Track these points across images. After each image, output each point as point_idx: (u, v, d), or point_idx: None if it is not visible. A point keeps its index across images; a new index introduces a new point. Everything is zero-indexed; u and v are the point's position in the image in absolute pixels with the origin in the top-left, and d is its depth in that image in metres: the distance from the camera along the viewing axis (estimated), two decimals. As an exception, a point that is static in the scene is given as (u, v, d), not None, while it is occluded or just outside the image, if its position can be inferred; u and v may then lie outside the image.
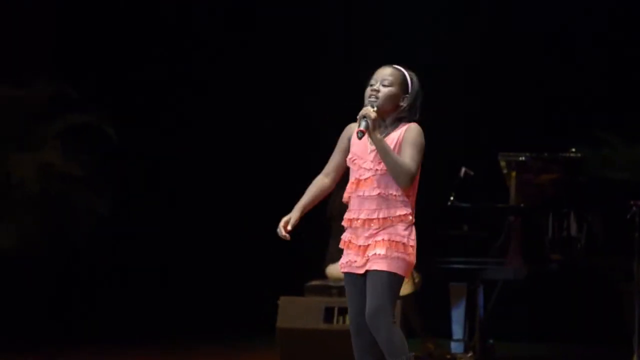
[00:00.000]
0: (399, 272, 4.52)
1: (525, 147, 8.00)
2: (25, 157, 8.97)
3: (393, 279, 4.51)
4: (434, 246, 7.31)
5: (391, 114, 4.59)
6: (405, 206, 4.55)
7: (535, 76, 9.53)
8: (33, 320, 9.33)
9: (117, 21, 10.11)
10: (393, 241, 4.53)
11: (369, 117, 4.49)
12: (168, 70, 10.12)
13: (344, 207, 7.70)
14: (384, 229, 4.55)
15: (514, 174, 7.72)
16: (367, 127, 4.48)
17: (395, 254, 4.51)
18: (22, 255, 8.90)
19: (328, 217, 7.99)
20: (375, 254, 4.54)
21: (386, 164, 4.52)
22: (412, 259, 4.55)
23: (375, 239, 4.55)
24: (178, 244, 9.93)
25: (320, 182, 4.77)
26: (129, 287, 9.77)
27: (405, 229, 4.55)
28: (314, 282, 7.84)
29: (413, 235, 4.56)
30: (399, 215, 4.54)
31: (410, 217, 4.56)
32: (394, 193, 4.55)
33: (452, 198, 7.65)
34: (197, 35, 10.16)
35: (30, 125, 9.24)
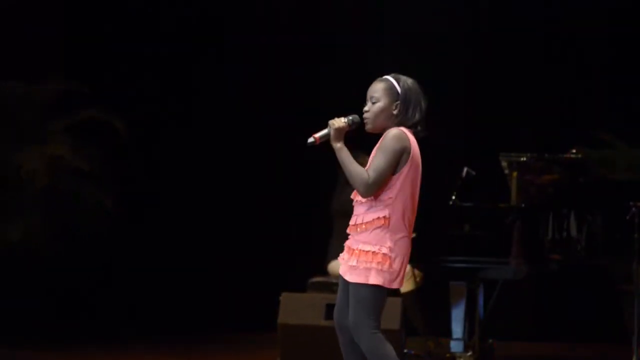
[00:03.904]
0: (371, 282, 4.48)
1: (526, 147, 8.04)
2: (35, 151, 8.98)
3: (366, 290, 4.48)
4: (435, 245, 7.34)
5: (391, 125, 4.56)
6: (381, 209, 4.50)
7: (537, 76, 9.55)
8: (38, 315, 9.35)
9: (127, 17, 10.13)
10: (362, 251, 4.51)
11: (332, 126, 4.55)
12: (178, 66, 10.14)
13: (346, 205, 7.77)
14: (360, 234, 4.54)
15: (515, 174, 7.74)
16: (324, 136, 4.55)
17: (364, 265, 4.49)
18: (29, 249, 8.91)
19: (332, 214, 8.03)
20: (349, 264, 4.56)
21: (345, 173, 4.55)
22: (389, 266, 4.48)
23: (353, 247, 4.57)
24: (181, 240, 9.96)
25: None
26: (132, 283, 9.78)
27: (379, 235, 4.49)
28: (316, 279, 7.86)
29: (389, 242, 4.49)
30: (373, 220, 4.51)
31: (385, 221, 4.49)
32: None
33: (453, 198, 7.68)
34: (207, 33, 10.19)
35: (40, 120, 9.25)
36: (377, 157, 4.49)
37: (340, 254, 4.68)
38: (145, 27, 10.10)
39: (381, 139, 4.53)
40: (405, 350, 7.35)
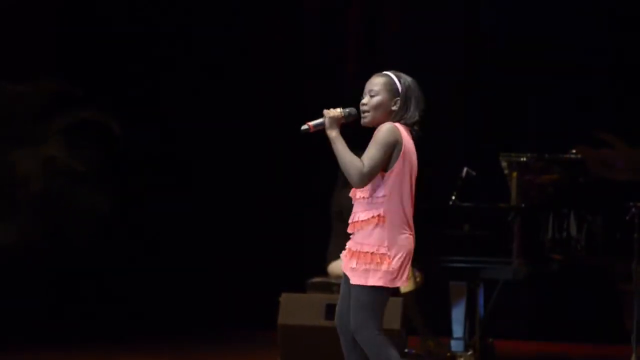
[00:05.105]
0: (371, 283, 4.45)
1: (526, 147, 8.04)
2: (28, 153, 8.97)
3: (368, 292, 4.45)
4: (435, 245, 7.34)
5: (388, 121, 4.55)
6: (376, 208, 4.48)
7: (536, 75, 9.55)
8: (32, 318, 9.34)
9: (121, 16, 10.13)
10: (360, 252, 4.49)
11: (326, 115, 4.54)
12: (173, 66, 10.14)
13: (343, 208, 7.81)
14: (358, 234, 4.52)
15: (515, 174, 7.74)
16: (318, 125, 4.54)
17: (363, 267, 4.46)
18: (23, 251, 8.90)
19: (331, 215, 8.03)
20: (349, 267, 4.54)
21: (339, 162, 4.51)
22: (387, 266, 4.44)
23: (352, 249, 4.54)
24: (180, 241, 9.96)
25: None
26: (129, 284, 9.78)
27: (375, 235, 4.47)
28: (316, 279, 7.86)
29: (386, 241, 4.46)
30: (367, 219, 4.49)
31: (379, 219, 4.46)
32: (362, 195, 4.52)
33: (453, 198, 7.68)
34: (200, 32, 10.19)
35: (33, 122, 9.24)
36: (371, 149, 4.45)
37: (343, 252, 4.65)
38: (142, 28, 10.10)
39: (375, 133, 4.51)
40: (406, 350, 7.35)
